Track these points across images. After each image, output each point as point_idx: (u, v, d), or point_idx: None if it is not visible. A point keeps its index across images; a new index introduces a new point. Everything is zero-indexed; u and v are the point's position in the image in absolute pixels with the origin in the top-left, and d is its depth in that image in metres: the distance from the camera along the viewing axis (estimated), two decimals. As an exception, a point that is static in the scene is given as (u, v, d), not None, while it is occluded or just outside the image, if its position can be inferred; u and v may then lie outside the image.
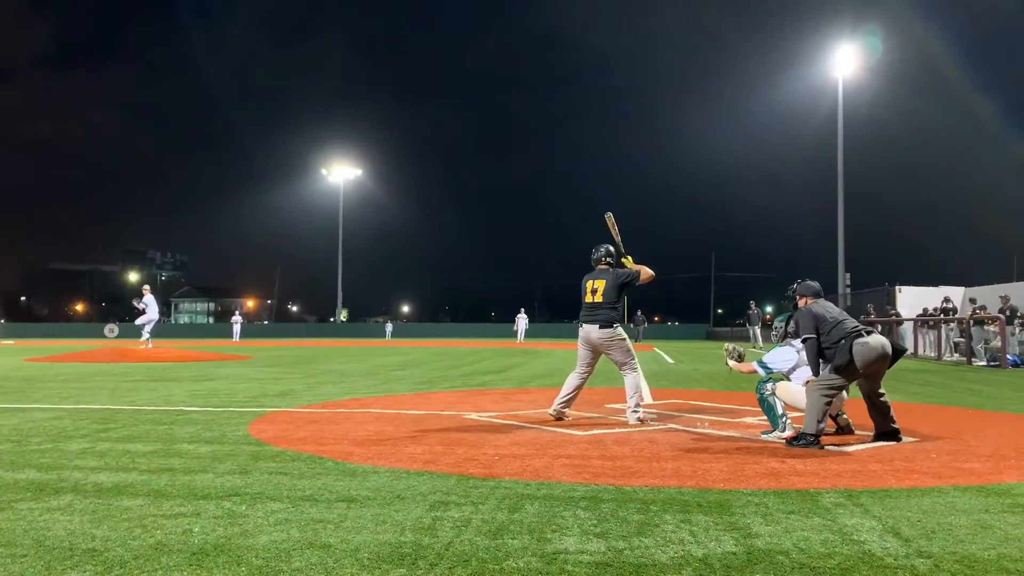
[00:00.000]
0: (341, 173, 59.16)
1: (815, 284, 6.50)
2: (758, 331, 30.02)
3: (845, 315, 6.23)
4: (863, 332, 5.96)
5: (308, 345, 34.72)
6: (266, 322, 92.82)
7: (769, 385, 6.42)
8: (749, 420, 7.32)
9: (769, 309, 55.15)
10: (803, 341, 6.13)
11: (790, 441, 5.83)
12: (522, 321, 40.56)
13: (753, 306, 30.38)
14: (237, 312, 51.17)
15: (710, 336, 57.14)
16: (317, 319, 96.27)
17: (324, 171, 60.06)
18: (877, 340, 5.98)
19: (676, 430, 6.62)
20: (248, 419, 7.30)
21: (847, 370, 5.90)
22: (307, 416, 7.66)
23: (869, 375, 6.01)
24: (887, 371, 6.12)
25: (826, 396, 5.86)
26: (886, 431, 6.04)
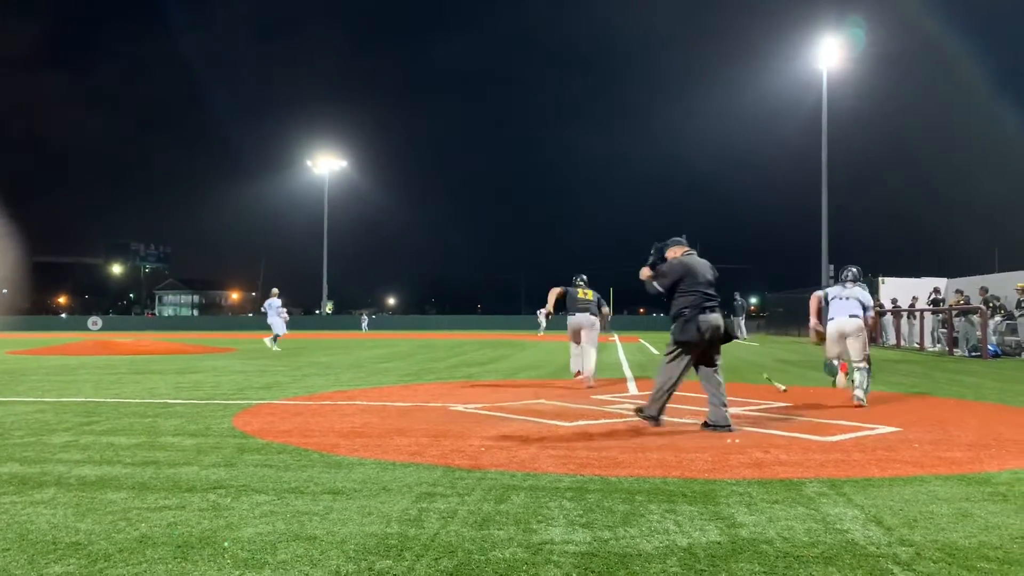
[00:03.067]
0: (326, 164, 58.86)
1: (681, 239, 6.61)
2: (743, 322, 30.15)
3: (709, 286, 6.30)
4: (706, 308, 6.14)
5: (293, 337, 34.56)
6: (250, 314, 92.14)
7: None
8: (733, 410, 7.35)
9: (753, 300, 55.40)
10: (658, 285, 6.29)
11: (638, 412, 6.32)
12: (541, 315, 40.79)
13: (738, 297, 30.50)
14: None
15: (695, 327, 57.31)
16: (302, 312, 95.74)
17: (309, 163, 59.72)
18: (717, 317, 6.19)
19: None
20: (233, 412, 7.27)
21: (689, 345, 6.14)
22: (292, 408, 7.64)
23: (703, 353, 6.22)
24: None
25: (672, 366, 6.16)
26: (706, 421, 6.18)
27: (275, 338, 20.77)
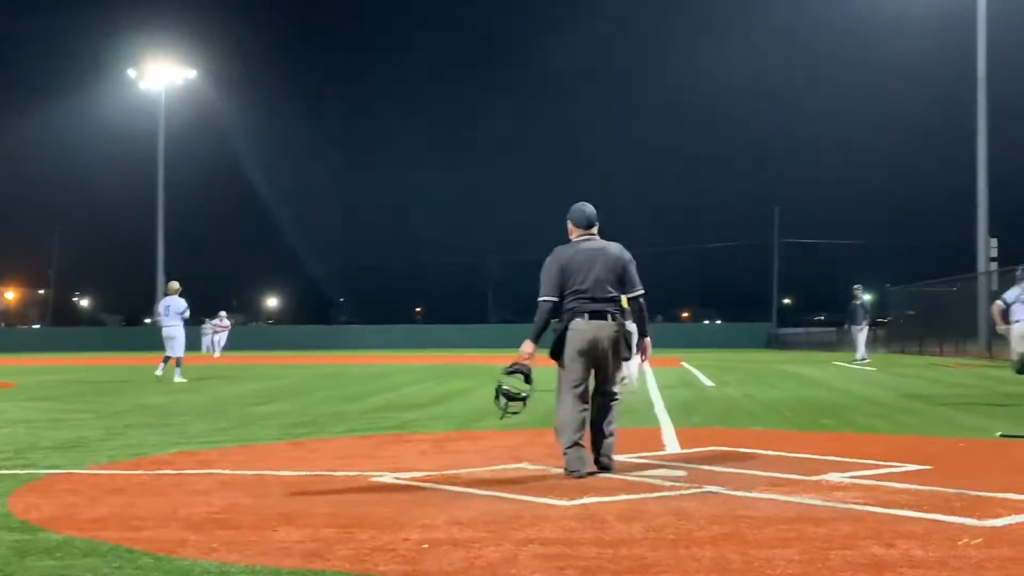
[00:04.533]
0: (161, 76, 58.40)
1: (588, 209, 7.62)
2: (863, 337, 29.34)
3: (599, 286, 7.28)
4: (585, 312, 7.16)
5: (110, 364, 34.36)
6: (37, 326, 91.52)
7: None
8: (834, 477, 7.42)
9: (867, 297, 55.75)
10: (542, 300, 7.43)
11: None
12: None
13: (858, 294, 29.63)
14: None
15: (773, 342, 57.75)
16: (124, 320, 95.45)
17: (132, 73, 59.25)
18: (593, 326, 7.18)
19: (718, 494, 6.70)
20: (8, 488, 7.22)
21: (567, 361, 7.36)
22: (108, 481, 7.61)
23: (593, 372, 7.48)
24: None
25: (572, 393, 7.34)
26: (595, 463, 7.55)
27: (167, 360, 21.29)
